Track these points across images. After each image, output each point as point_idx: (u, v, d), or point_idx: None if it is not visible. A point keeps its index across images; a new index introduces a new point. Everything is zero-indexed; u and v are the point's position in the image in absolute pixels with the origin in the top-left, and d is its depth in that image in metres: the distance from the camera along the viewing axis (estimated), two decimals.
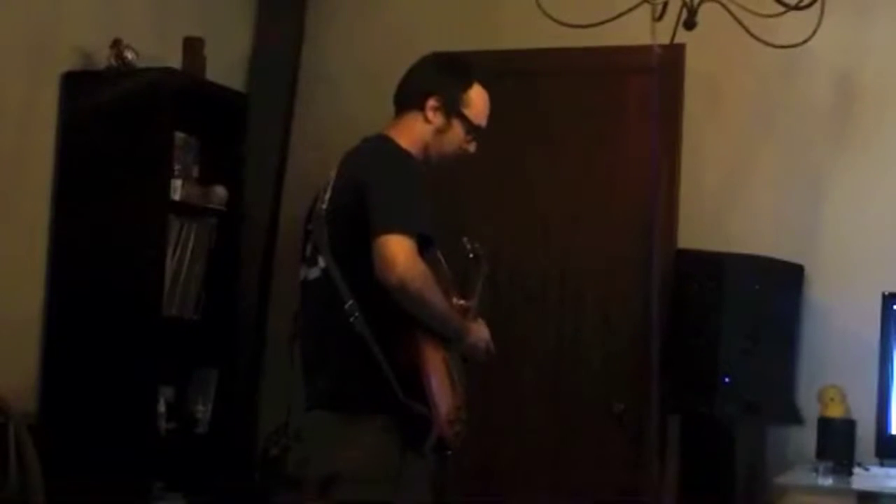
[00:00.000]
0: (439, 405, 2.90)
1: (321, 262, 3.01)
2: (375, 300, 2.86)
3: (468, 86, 3.18)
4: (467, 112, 3.16)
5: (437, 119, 3.14)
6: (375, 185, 2.93)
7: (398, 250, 2.82)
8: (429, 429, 2.88)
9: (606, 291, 4.49)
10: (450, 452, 2.99)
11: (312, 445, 3.01)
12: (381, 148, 3.08)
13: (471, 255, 3.35)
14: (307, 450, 3.03)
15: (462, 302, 3.15)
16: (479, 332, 3.13)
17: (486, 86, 3.21)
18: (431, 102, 3.13)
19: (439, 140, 3.15)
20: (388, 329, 2.89)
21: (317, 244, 3.04)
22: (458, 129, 3.16)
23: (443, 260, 3.10)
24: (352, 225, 2.92)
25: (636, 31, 3.52)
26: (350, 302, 2.90)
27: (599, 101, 4.56)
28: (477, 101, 3.19)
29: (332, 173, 3.09)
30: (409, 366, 2.88)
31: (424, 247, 2.93)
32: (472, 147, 3.21)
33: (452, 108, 3.14)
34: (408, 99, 3.17)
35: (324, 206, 3.03)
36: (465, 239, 3.35)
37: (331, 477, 2.91)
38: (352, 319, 2.89)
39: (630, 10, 3.45)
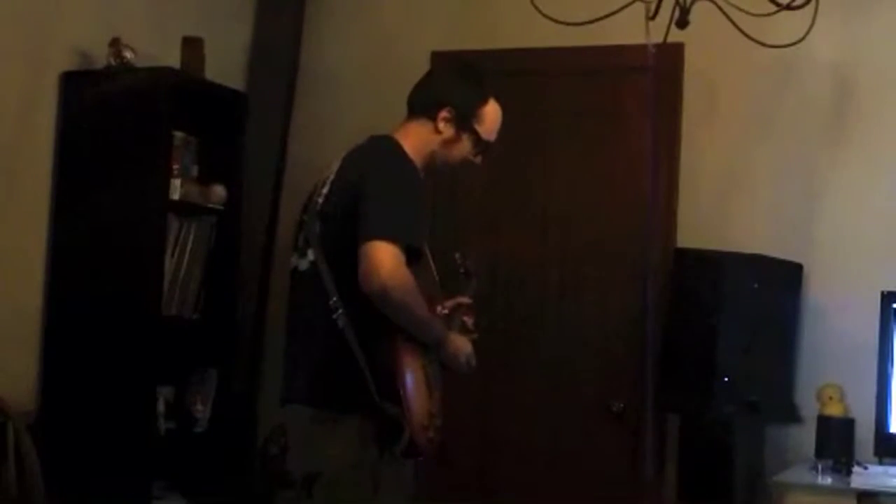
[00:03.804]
0: (413, 409, 2.89)
1: (310, 256, 3.01)
2: (360, 300, 2.86)
3: (483, 102, 3.16)
4: (479, 128, 3.15)
5: (448, 130, 3.12)
6: (371, 188, 2.92)
7: (384, 257, 2.82)
8: (401, 432, 2.88)
9: (605, 290, 4.49)
10: (421, 458, 2.98)
11: (293, 442, 3.01)
12: (383, 151, 3.06)
13: (462, 271, 3.34)
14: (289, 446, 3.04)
15: (446, 311, 3.14)
16: (461, 344, 3.13)
17: (499, 101, 3.19)
18: (444, 114, 3.11)
19: (446, 150, 3.14)
20: (370, 330, 2.89)
21: (308, 237, 3.04)
22: (466, 143, 3.15)
23: (433, 266, 3.10)
24: (344, 224, 2.92)
25: (634, 30, 3.51)
26: (335, 299, 2.90)
27: (597, 100, 4.56)
28: (490, 117, 3.17)
29: (334, 167, 3.09)
30: (387, 368, 2.89)
31: (415, 256, 2.93)
32: (478, 160, 3.20)
33: (464, 122, 3.13)
34: (421, 104, 3.15)
35: (319, 201, 3.04)
36: (457, 254, 3.33)
37: (313, 475, 2.92)
38: (334, 316, 2.89)
39: (622, 8, 3.44)
